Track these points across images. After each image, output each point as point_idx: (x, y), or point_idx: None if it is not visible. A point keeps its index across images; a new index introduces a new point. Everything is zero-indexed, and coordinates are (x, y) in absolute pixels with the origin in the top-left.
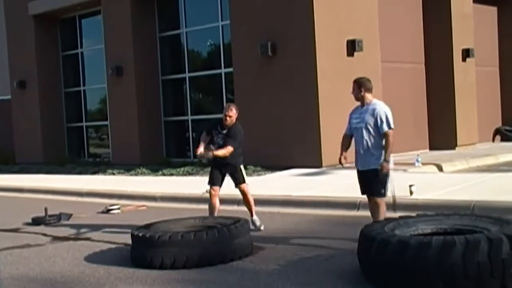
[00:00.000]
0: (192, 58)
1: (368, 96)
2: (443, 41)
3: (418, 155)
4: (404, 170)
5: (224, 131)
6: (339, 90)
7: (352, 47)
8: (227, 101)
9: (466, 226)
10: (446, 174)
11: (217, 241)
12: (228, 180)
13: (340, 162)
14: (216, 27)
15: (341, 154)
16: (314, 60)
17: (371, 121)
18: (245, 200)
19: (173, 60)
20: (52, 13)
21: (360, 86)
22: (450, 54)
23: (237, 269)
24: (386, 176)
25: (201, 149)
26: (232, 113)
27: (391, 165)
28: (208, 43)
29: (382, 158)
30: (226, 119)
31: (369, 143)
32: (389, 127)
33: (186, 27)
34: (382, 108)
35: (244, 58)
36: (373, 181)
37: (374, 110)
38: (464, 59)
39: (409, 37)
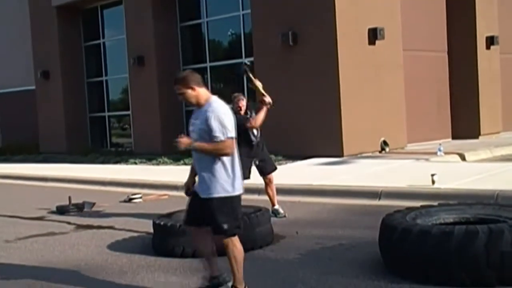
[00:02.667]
0: (213, 47)
1: (203, 93)
2: (467, 29)
3: (440, 144)
4: (426, 159)
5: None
6: (361, 79)
7: (374, 35)
8: (248, 91)
9: (489, 215)
10: (469, 163)
11: None
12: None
13: (186, 193)
14: (237, 17)
15: (189, 181)
16: (335, 49)
17: (205, 127)
18: (269, 189)
19: (194, 49)
20: (75, 4)
21: (188, 84)
22: (474, 41)
23: (258, 258)
24: (230, 205)
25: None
26: (244, 102)
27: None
28: (229, 33)
29: (227, 183)
30: (241, 110)
31: (207, 160)
32: (226, 136)
33: (207, 16)
34: (217, 110)
35: (265, 47)
36: (213, 213)
37: (206, 112)
38: (488, 47)
39: (431, 25)
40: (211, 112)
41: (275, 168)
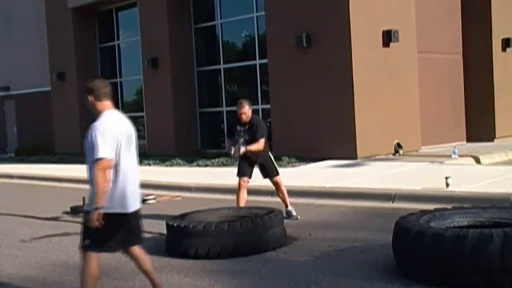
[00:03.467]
0: (227, 49)
1: (98, 105)
2: (482, 31)
3: (454, 146)
4: (441, 162)
5: (246, 127)
6: (375, 81)
7: (388, 37)
8: (262, 93)
9: (504, 219)
10: (484, 166)
11: (251, 232)
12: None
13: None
14: (251, 18)
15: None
16: (349, 51)
17: (86, 144)
18: (279, 192)
19: (208, 51)
20: (90, 6)
21: (86, 93)
22: (489, 44)
23: (271, 260)
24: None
25: (233, 149)
26: (245, 110)
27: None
28: (243, 35)
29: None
30: (242, 117)
31: (90, 175)
32: (96, 156)
33: (221, 18)
34: (95, 127)
35: (279, 49)
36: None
37: (89, 128)
38: (504, 49)
39: (446, 27)
40: (91, 129)
41: (277, 174)
